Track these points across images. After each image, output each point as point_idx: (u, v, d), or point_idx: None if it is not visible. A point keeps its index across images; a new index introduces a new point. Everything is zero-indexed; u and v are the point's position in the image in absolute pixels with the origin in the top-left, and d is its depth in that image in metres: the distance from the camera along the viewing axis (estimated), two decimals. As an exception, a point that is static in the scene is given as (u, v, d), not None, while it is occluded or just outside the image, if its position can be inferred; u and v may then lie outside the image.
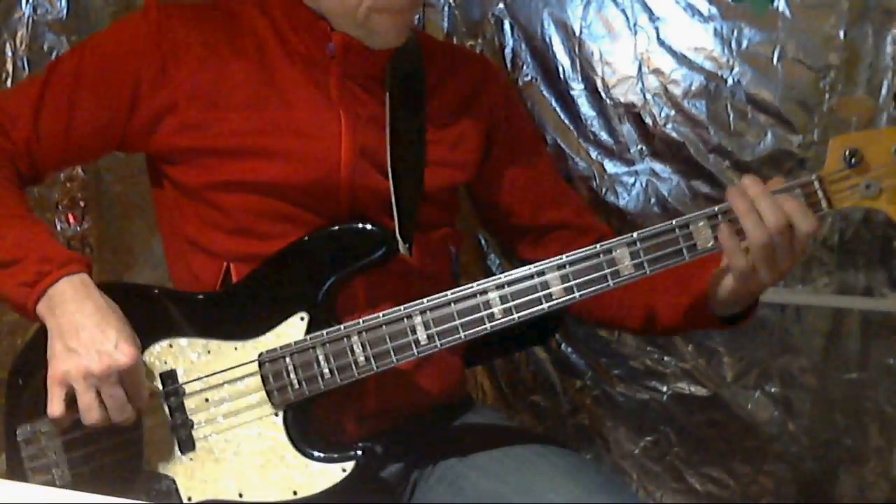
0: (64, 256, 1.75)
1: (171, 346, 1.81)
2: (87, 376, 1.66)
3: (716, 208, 1.68)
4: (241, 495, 1.77)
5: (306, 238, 1.83)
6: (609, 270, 1.69)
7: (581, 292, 1.70)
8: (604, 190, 2.59)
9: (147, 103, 1.86)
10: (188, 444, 1.79)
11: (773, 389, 2.56)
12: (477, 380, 2.83)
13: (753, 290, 1.78)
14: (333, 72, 1.87)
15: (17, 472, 1.82)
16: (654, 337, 2.61)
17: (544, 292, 1.70)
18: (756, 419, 2.59)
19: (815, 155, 2.36)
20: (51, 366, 1.70)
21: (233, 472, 1.78)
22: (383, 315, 1.74)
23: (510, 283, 1.71)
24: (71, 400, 1.69)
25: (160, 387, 1.80)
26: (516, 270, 1.72)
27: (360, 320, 1.74)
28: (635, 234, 1.69)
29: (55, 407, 1.69)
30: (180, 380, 1.80)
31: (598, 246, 1.70)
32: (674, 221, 1.69)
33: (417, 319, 1.73)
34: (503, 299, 1.71)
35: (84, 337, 1.68)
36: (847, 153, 1.66)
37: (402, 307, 1.74)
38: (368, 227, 1.81)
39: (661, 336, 2.59)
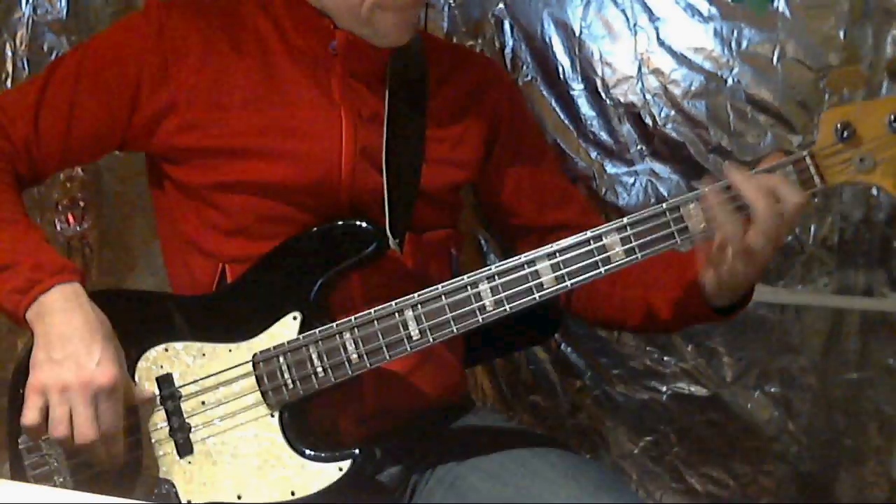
0: (57, 264, 1.74)
1: (166, 349, 1.81)
2: (64, 390, 1.66)
3: (706, 189, 1.67)
4: (239, 497, 1.76)
5: (296, 237, 1.83)
6: (600, 257, 1.68)
7: (572, 280, 1.68)
8: (604, 190, 2.59)
9: (148, 103, 1.86)
10: (186, 448, 1.79)
11: (773, 389, 2.56)
12: (477, 380, 2.83)
13: (749, 270, 1.75)
14: (336, 70, 1.87)
15: (19, 479, 1.81)
16: (656, 333, 2.61)
17: (535, 282, 1.69)
18: (756, 419, 2.59)
19: (816, 155, 2.36)
20: (31, 373, 1.70)
21: (231, 474, 1.78)
22: (375, 311, 1.73)
23: (500, 275, 1.70)
24: (46, 410, 1.69)
25: (157, 391, 1.80)
26: (507, 261, 1.71)
27: (352, 318, 1.74)
28: (625, 220, 1.68)
29: (29, 415, 1.68)
30: (176, 383, 1.80)
31: (588, 233, 1.68)
32: (664, 205, 1.67)
33: (409, 314, 1.72)
34: (494, 291, 1.70)
35: (68, 349, 1.67)
36: (839, 126, 1.62)
37: (393, 303, 1.73)
38: (357, 223, 1.81)
39: (663, 332, 2.58)
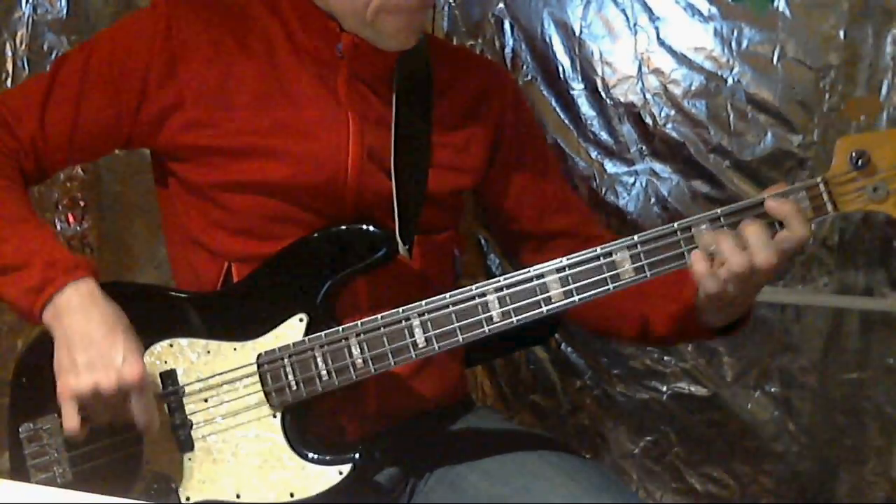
0: (69, 262, 1.73)
1: (171, 345, 1.81)
2: (97, 394, 1.66)
3: (718, 211, 1.66)
4: (238, 496, 1.76)
5: (306, 239, 1.83)
6: (609, 274, 1.68)
7: (580, 296, 1.68)
8: (604, 190, 2.59)
9: (154, 100, 1.85)
10: (187, 445, 1.79)
11: (773, 389, 2.56)
12: (477, 380, 2.84)
13: (736, 306, 1.76)
14: (342, 72, 1.87)
15: (19, 469, 1.82)
16: (650, 347, 2.61)
17: (543, 296, 1.69)
18: (756, 419, 2.59)
19: (815, 155, 2.36)
20: (60, 380, 1.69)
21: (231, 473, 1.78)
22: (381, 317, 1.73)
23: (509, 287, 1.70)
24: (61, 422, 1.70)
25: (160, 387, 1.80)
26: (515, 273, 1.70)
27: (359, 322, 1.74)
28: (636, 237, 1.67)
29: (71, 423, 1.68)
30: (180, 380, 1.80)
31: (598, 249, 1.68)
32: (675, 224, 1.67)
33: (416, 322, 1.72)
34: (502, 302, 1.70)
35: (91, 352, 1.67)
36: (854, 154, 1.62)
37: (400, 309, 1.73)
38: (368, 227, 1.81)
39: (657, 346, 2.59)
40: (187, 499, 1.78)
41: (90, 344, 1.68)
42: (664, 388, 2.65)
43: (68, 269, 1.72)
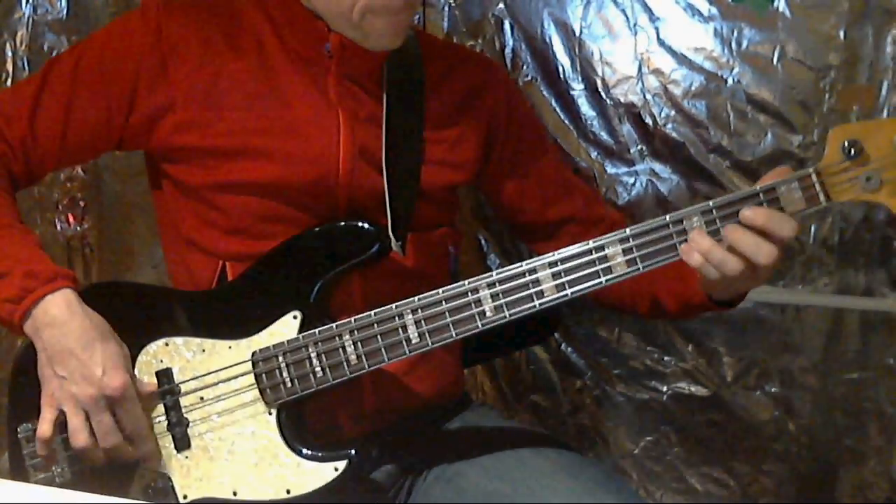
0: (49, 272, 1.73)
1: (166, 344, 1.81)
2: (77, 403, 1.68)
3: (710, 203, 1.65)
4: (235, 493, 1.77)
5: (299, 237, 1.83)
6: (601, 267, 1.67)
7: (573, 290, 1.68)
8: (604, 190, 2.59)
9: (145, 102, 1.86)
10: (184, 443, 1.79)
11: (773, 389, 2.56)
12: (477, 380, 2.84)
13: (746, 285, 1.77)
14: (331, 71, 1.87)
15: (18, 469, 1.82)
16: (666, 320, 2.61)
17: (536, 290, 1.69)
18: (756, 419, 2.59)
19: (816, 155, 2.35)
20: (43, 386, 1.72)
21: (227, 471, 1.78)
22: (375, 314, 1.73)
23: (501, 282, 1.70)
24: (63, 421, 1.71)
25: (156, 385, 1.80)
26: (508, 268, 1.71)
27: (352, 319, 1.74)
28: (628, 231, 1.67)
29: (43, 428, 1.71)
30: (175, 378, 1.80)
31: (590, 243, 1.68)
32: (667, 217, 1.66)
33: (409, 318, 1.72)
34: (494, 297, 1.70)
35: (71, 365, 1.68)
36: (846, 144, 1.61)
37: (393, 305, 1.73)
38: (360, 224, 1.81)
39: (672, 320, 2.58)
40: (185, 497, 1.78)
41: (69, 357, 1.69)
42: (664, 388, 2.66)
43: (47, 279, 1.72)
